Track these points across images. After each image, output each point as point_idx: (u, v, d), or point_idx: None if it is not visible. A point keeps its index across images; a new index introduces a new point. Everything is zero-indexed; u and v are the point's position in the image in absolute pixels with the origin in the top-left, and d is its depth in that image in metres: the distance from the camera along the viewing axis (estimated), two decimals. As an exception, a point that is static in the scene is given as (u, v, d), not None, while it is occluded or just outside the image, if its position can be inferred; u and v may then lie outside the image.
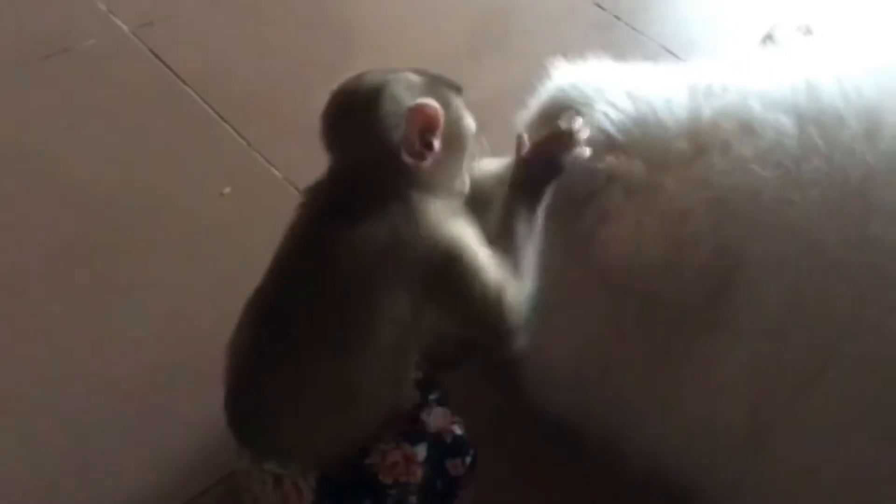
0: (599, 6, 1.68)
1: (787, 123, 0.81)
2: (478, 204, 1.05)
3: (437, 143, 0.72)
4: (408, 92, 0.72)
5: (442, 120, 0.72)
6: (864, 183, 0.76)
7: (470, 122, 0.78)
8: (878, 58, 0.89)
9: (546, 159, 0.81)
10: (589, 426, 0.89)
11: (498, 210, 0.81)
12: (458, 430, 0.77)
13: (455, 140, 0.75)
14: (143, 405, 0.96)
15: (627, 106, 0.88)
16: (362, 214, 0.70)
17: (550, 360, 0.91)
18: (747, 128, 0.83)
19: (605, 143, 0.86)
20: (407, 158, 0.71)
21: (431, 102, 0.71)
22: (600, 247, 0.87)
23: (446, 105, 0.73)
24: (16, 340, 1.01)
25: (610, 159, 0.85)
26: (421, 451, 0.74)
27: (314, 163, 1.23)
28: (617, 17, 1.66)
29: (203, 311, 1.04)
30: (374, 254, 0.69)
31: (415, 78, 0.75)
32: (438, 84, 0.76)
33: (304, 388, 0.71)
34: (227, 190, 1.20)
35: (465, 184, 0.79)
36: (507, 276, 0.74)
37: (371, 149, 0.71)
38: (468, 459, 0.76)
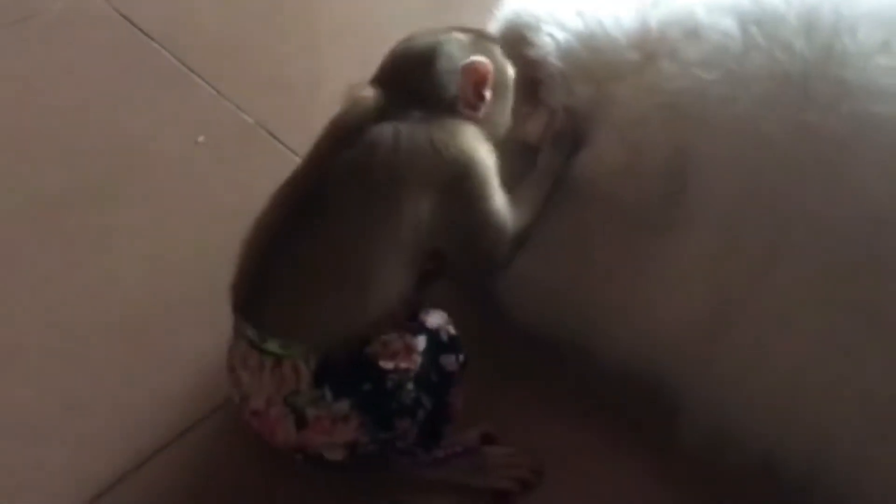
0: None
1: (730, 25, 0.85)
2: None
3: (488, 94, 0.82)
4: (460, 51, 0.82)
5: (492, 72, 0.80)
6: (803, 76, 0.80)
7: (511, 69, 0.87)
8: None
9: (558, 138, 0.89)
10: (562, 334, 0.94)
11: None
12: (452, 330, 0.83)
13: (501, 87, 0.85)
14: (136, 343, 1.00)
15: (578, 25, 0.92)
16: (408, 121, 0.78)
17: (522, 271, 0.94)
18: (692, 33, 0.86)
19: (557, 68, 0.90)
20: (463, 110, 0.81)
21: (483, 59, 0.81)
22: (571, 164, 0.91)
23: (492, 58, 0.83)
24: (13, 290, 1.05)
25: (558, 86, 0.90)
26: (421, 342, 0.79)
27: (285, 108, 1.28)
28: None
29: (184, 252, 1.08)
30: (409, 152, 0.77)
31: (462, 37, 0.84)
32: (482, 39, 0.86)
33: (319, 267, 0.76)
34: (201, 138, 1.23)
35: (508, 122, 0.88)
36: (510, 209, 0.82)
37: (431, 98, 0.80)
38: (461, 357, 0.82)
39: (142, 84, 1.32)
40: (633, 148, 0.87)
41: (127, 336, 1.00)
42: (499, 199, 0.81)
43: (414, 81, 0.81)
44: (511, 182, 0.87)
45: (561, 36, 0.91)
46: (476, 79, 0.81)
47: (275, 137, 1.24)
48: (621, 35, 0.90)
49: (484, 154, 0.80)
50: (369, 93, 0.82)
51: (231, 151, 1.21)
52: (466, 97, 0.81)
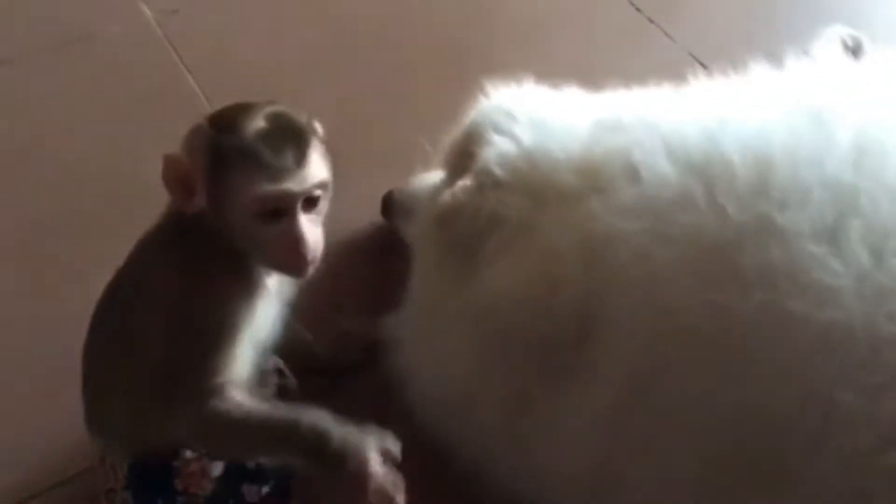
0: (635, 6, 1.61)
1: (669, 173, 0.77)
2: (409, 217, 1.06)
3: (198, 193, 0.72)
4: (193, 139, 0.73)
5: (183, 169, 0.71)
6: (732, 246, 0.71)
7: (250, 201, 0.71)
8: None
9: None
10: (459, 452, 0.89)
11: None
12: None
13: (223, 197, 0.72)
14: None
15: (527, 137, 0.87)
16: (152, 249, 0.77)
17: (427, 383, 0.91)
18: (632, 172, 0.79)
19: (492, 182, 0.86)
20: (174, 200, 0.74)
21: (172, 155, 0.72)
22: (477, 282, 0.86)
23: (222, 158, 0.70)
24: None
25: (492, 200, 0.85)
26: (216, 468, 0.78)
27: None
28: (650, 20, 1.59)
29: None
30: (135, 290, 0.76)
31: (206, 126, 0.73)
32: (241, 140, 0.71)
33: (117, 382, 0.77)
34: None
35: (262, 251, 0.74)
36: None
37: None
38: (265, 489, 0.80)
39: (165, 119, 1.35)
40: (547, 282, 0.81)
41: (50, 371, 1.00)
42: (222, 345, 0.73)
43: None
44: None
45: (506, 147, 0.87)
46: (172, 174, 0.72)
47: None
48: (564, 156, 0.84)
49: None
50: None
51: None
52: (169, 188, 0.73)
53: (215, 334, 0.72)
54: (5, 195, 1.26)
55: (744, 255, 0.70)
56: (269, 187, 0.69)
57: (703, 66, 1.44)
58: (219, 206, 0.71)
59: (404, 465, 0.90)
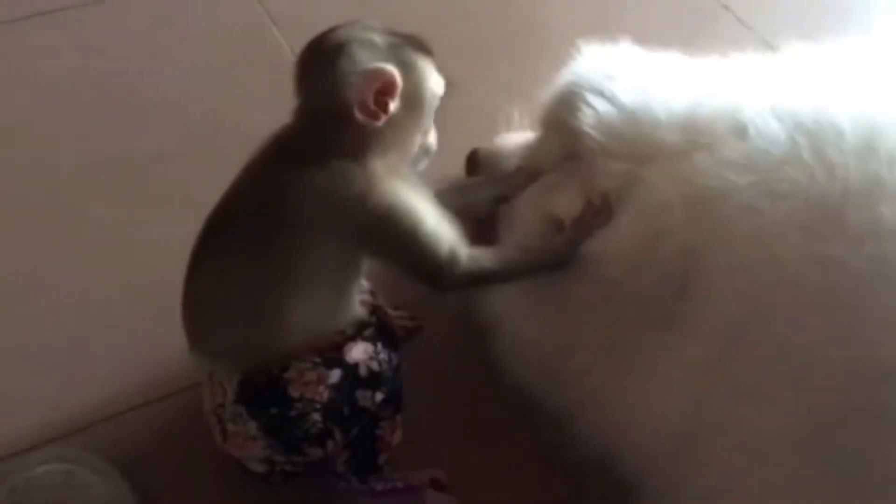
0: (711, -7, 1.63)
1: (777, 131, 0.79)
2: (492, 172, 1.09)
3: (392, 105, 0.76)
4: (367, 53, 0.76)
5: (399, 84, 0.75)
6: (839, 202, 0.73)
7: (433, 86, 0.80)
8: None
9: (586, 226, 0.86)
10: (545, 402, 0.91)
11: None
12: (375, 367, 0.82)
13: (413, 102, 0.78)
14: (157, 303, 1.06)
15: (626, 98, 0.88)
16: (307, 163, 0.76)
17: (518, 333, 0.94)
18: (739, 131, 0.81)
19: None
20: (359, 116, 0.75)
21: (386, 68, 0.75)
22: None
23: (408, 68, 0.77)
24: (64, 231, 1.15)
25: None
26: (333, 375, 0.79)
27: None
28: (725, 7, 1.61)
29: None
30: (308, 202, 0.75)
31: (379, 39, 0.78)
32: (405, 45, 0.79)
33: (230, 298, 0.78)
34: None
35: (420, 144, 0.82)
36: (460, 243, 0.79)
37: (327, 103, 0.76)
38: (379, 395, 0.82)
39: (252, 65, 1.40)
40: (651, 235, 0.82)
41: (150, 294, 1.05)
42: (430, 231, 0.77)
43: (314, 83, 0.78)
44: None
45: (604, 108, 0.88)
46: (379, 87, 0.75)
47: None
48: (666, 116, 0.86)
49: (399, 194, 0.76)
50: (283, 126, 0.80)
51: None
52: (365, 104, 0.75)
53: (419, 217, 0.77)
54: (102, 130, 1.31)
55: (852, 210, 0.72)
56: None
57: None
58: (407, 109, 0.78)
59: (487, 418, 0.95)
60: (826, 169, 0.75)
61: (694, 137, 0.83)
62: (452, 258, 0.78)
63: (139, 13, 1.53)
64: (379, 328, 0.84)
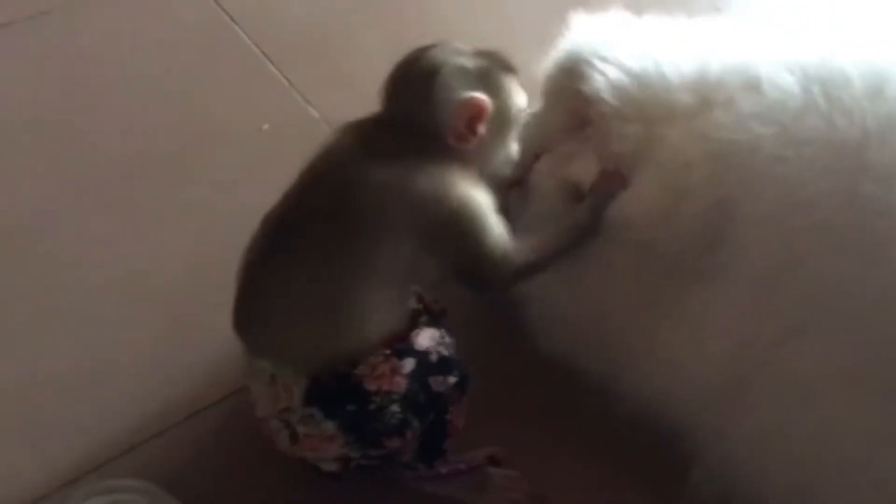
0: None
1: (791, 82, 0.82)
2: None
3: (482, 130, 0.80)
4: (461, 80, 0.80)
5: (489, 109, 0.79)
6: (860, 143, 0.77)
7: (518, 102, 0.85)
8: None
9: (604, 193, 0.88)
10: (585, 367, 0.93)
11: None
12: (444, 351, 0.82)
13: (501, 122, 0.83)
14: (172, 316, 1.04)
15: (634, 63, 0.90)
16: (390, 161, 0.77)
17: (552, 301, 0.95)
18: (752, 85, 0.84)
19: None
20: (452, 142, 0.79)
21: (479, 97, 0.79)
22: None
23: (496, 90, 0.81)
24: (62, 250, 1.11)
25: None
26: (407, 365, 0.79)
27: (351, 107, 1.28)
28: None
29: (232, 232, 1.11)
30: (387, 198, 0.76)
31: (469, 64, 0.81)
32: (492, 68, 0.82)
33: (299, 298, 0.77)
34: (265, 126, 1.26)
35: (506, 158, 0.86)
36: (518, 244, 0.81)
37: (420, 126, 0.79)
38: (451, 379, 0.82)
39: (217, 65, 1.37)
40: (674, 193, 0.85)
41: (165, 308, 1.04)
42: (495, 235, 0.80)
43: (407, 103, 0.81)
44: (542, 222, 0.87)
45: (615, 74, 0.89)
46: (471, 114, 0.79)
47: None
48: (677, 77, 0.88)
49: (475, 197, 0.79)
50: (364, 120, 0.82)
51: (291, 143, 1.22)
52: (458, 130, 0.79)
53: (488, 221, 0.79)
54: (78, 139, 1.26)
55: (873, 151, 0.76)
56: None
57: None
58: (495, 129, 0.82)
59: (528, 391, 0.96)
60: (843, 114, 0.79)
61: (708, 95, 0.86)
62: (505, 258, 0.81)
63: (92, 22, 1.45)
64: (431, 315, 0.85)
